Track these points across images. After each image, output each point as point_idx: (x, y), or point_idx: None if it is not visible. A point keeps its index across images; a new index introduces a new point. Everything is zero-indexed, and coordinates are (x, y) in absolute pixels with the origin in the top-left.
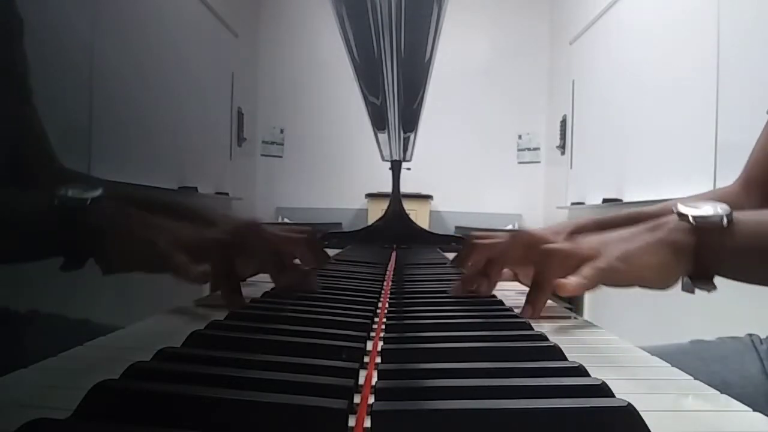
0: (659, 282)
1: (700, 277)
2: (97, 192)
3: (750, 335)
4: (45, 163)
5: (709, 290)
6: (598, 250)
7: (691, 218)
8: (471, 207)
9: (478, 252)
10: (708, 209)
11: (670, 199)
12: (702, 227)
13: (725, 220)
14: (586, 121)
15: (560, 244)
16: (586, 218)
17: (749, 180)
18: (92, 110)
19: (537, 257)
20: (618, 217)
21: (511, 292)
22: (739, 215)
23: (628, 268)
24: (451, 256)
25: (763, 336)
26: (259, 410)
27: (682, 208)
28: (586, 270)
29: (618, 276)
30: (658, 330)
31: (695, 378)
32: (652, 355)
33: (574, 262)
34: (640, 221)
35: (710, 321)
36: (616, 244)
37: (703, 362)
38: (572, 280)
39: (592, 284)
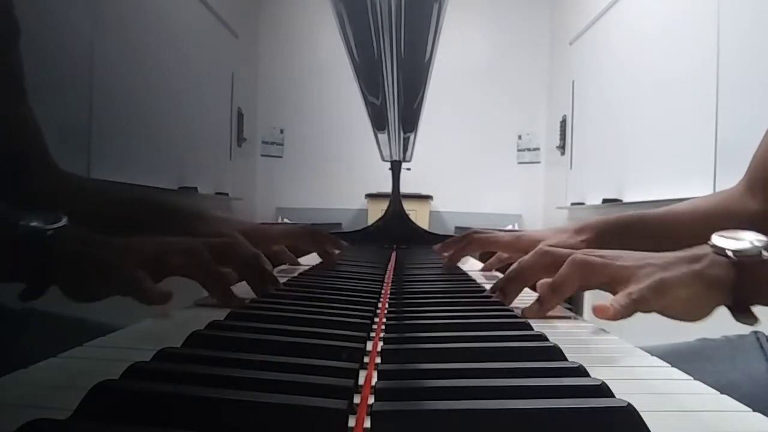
0: (688, 315)
1: (740, 311)
2: (60, 222)
3: (756, 333)
4: (41, 165)
5: (752, 323)
6: (630, 272)
7: (729, 253)
8: (471, 207)
9: (475, 247)
10: (746, 242)
11: (679, 200)
12: (741, 262)
13: (765, 254)
14: (586, 121)
15: (593, 258)
16: (595, 219)
17: (753, 181)
18: (92, 110)
19: (561, 265)
20: (640, 219)
21: None
22: None
23: (659, 299)
24: None
25: None
26: (259, 410)
27: (719, 241)
28: (622, 298)
29: (648, 306)
30: (663, 328)
31: (703, 377)
32: (659, 353)
33: (603, 279)
34: (665, 225)
35: (715, 320)
36: (650, 270)
37: (710, 361)
38: (611, 310)
39: (626, 314)
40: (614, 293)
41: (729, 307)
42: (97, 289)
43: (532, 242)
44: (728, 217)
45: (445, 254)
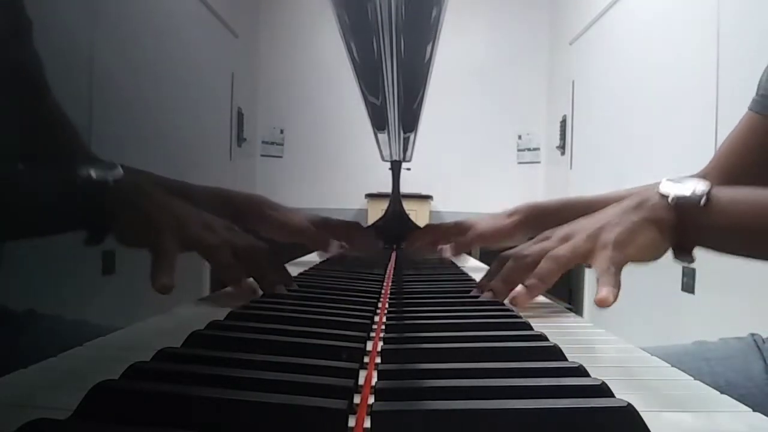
0: (650, 257)
1: (681, 251)
2: (120, 174)
3: (753, 335)
4: (75, 151)
5: (689, 262)
6: (592, 243)
7: (670, 199)
8: (471, 207)
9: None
10: (688, 187)
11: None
12: (681, 206)
13: (703, 200)
14: (586, 121)
15: (563, 252)
16: (524, 203)
17: (708, 172)
18: (92, 110)
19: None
20: (562, 202)
21: None
22: (716, 192)
23: (626, 253)
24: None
25: (765, 335)
26: (259, 410)
27: (664, 187)
28: (604, 278)
29: (623, 263)
30: (661, 332)
31: (699, 378)
32: (655, 356)
33: (577, 261)
34: (585, 207)
35: (713, 322)
36: (607, 232)
37: (706, 363)
38: (606, 295)
39: (617, 284)
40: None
41: (674, 248)
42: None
43: (470, 226)
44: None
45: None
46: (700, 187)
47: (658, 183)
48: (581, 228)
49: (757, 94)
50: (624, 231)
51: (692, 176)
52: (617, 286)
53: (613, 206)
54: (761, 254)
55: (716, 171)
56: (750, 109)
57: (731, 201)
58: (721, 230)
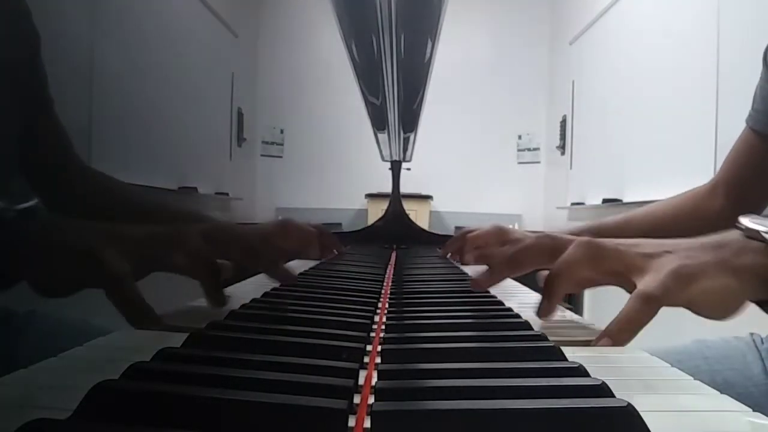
0: (717, 311)
1: None
2: (30, 202)
3: (752, 334)
4: (72, 166)
5: None
6: (646, 260)
7: (766, 236)
8: (471, 207)
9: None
10: None
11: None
12: None
13: None
14: (586, 121)
15: (605, 241)
16: (590, 223)
17: (719, 182)
18: (92, 110)
19: (561, 253)
20: (602, 225)
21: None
22: None
23: (683, 291)
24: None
25: (764, 335)
26: (259, 410)
27: (750, 224)
28: (636, 304)
29: (671, 300)
30: (660, 330)
31: (697, 377)
32: (654, 355)
33: (615, 265)
34: (627, 229)
35: (712, 322)
36: (670, 259)
37: (705, 361)
38: (623, 321)
39: (646, 319)
40: (627, 285)
41: (762, 301)
42: (75, 281)
43: (516, 236)
44: (695, 213)
45: (449, 256)
46: None
47: (738, 224)
48: (641, 244)
49: (752, 108)
50: (693, 265)
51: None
52: (638, 325)
53: (686, 239)
54: None
55: (723, 182)
56: (747, 123)
57: None
58: None
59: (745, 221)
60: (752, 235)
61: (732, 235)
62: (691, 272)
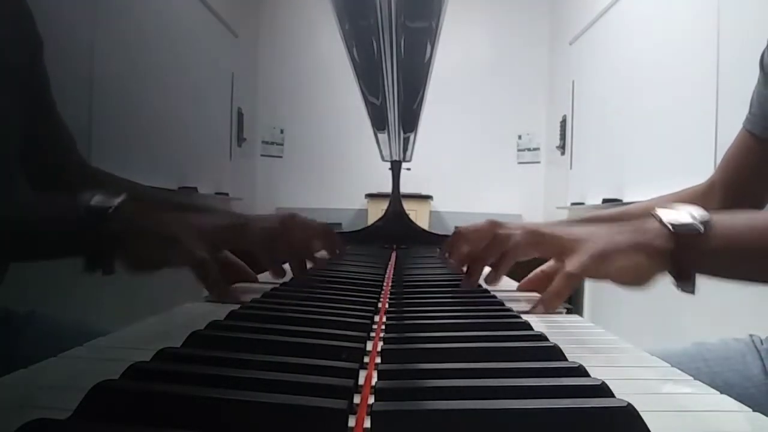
0: (631, 282)
1: (680, 279)
2: (120, 198)
3: (751, 336)
4: (74, 166)
5: (691, 291)
6: (576, 244)
7: (669, 225)
8: (471, 207)
9: (463, 243)
10: (685, 215)
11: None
12: (680, 233)
13: (702, 228)
14: (586, 121)
15: (545, 229)
16: (576, 217)
17: (715, 184)
18: (92, 110)
19: (518, 233)
20: (602, 216)
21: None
22: (714, 218)
23: (601, 267)
24: None
25: (763, 336)
26: (259, 410)
27: (662, 213)
28: (558, 281)
29: (590, 274)
30: (659, 333)
31: (698, 379)
32: (654, 356)
33: (553, 248)
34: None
35: (712, 323)
36: (594, 242)
37: (705, 363)
38: (547, 297)
39: (564, 292)
40: (562, 262)
41: (673, 276)
42: (157, 260)
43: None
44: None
45: (452, 260)
46: (697, 213)
47: (652, 208)
48: (575, 229)
49: (749, 111)
50: (609, 247)
51: (686, 201)
52: (561, 296)
53: (610, 225)
54: (760, 278)
55: (719, 183)
56: (744, 126)
57: (729, 227)
58: (719, 256)
59: (659, 212)
60: (662, 224)
61: (650, 223)
62: (608, 254)
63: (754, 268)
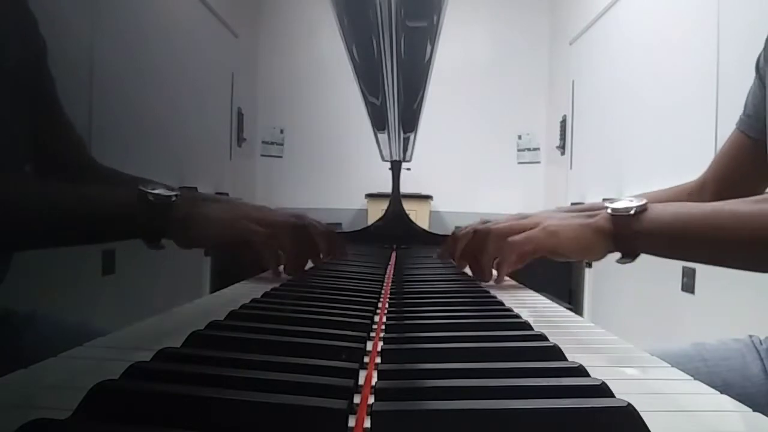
0: (579, 253)
1: (624, 254)
2: (177, 191)
3: (751, 336)
4: (85, 163)
5: (629, 262)
6: (536, 223)
7: (609, 210)
8: (471, 207)
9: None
10: (626, 203)
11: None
12: (615, 216)
13: (633, 211)
14: (586, 121)
15: (500, 224)
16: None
17: (706, 182)
18: (92, 110)
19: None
20: (594, 206)
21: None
22: (655, 206)
23: (548, 239)
24: None
25: (763, 336)
26: (259, 410)
27: (607, 203)
28: (506, 245)
29: (541, 245)
30: (659, 333)
31: (697, 379)
32: (653, 356)
33: (517, 231)
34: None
35: (711, 324)
36: (549, 222)
37: (704, 363)
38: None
39: (515, 254)
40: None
41: (617, 250)
42: (216, 236)
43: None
44: None
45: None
46: (633, 203)
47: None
48: (532, 216)
49: (743, 113)
50: (561, 225)
51: (636, 196)
52: (511, 266)
53: (575, 212)
54: (692, 258)
55: (712, 180)
56: (737, 126)
57: (659, 213)
58: (650, 237)
59: (608, 202)
60: (606, 208)
61: (600, 208)
62: (555, 229)
63: (682, 250)
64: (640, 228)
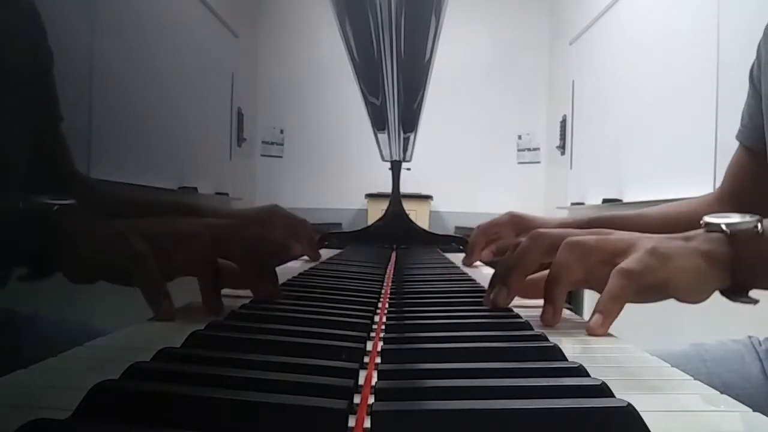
0: (693, 291)
1: (737, 290)
2: (67, 200)
3: (750, 337)
4: (70, 176)
5: (753, 303)
6: (627, 243)
7: (724, 226)
8: (471, 207)
9: (483, 238)
10: (738, 218)
11: (679, 200)
12: (736, 235)
13: (760, 227)
14: (586, 121)
15: (587, 238)
16: (571, 218)
17: (724, 192)
18: (92, 110)
19: (557, 252)
20: (613, 218)
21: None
22: (765, 221)
23: (662, 267)
24: (451, 256)
25: (762, 337)
26: (258, 411)
27: (711, 219)
28: (619, 274)
29: (652, 276)
30: (658, 334)
31: (696, 380)
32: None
33: (601, 255)
34: (638, 224)
35: (711, 324)
36: (646, 242)
37: (703, 364)
38: (603, 302)
39: (630, 285)
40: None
41: (726, 290)
42: (101, 272)
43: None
44: (698, 223)
45: (473, 260)
46: (747, 218)
47: (683, 214)
48: (619, 233)
49: (741, 124)
50: (670, 248)
51: (734, 211)
52: (621, 300)
53: (661, 235)
54: None
55: (729, 194)
56: (737, 138)
57: None
58: None
59: (707, 218)
60: (713, 228)
61: (697, 230)
62: (667, 252)
63: None
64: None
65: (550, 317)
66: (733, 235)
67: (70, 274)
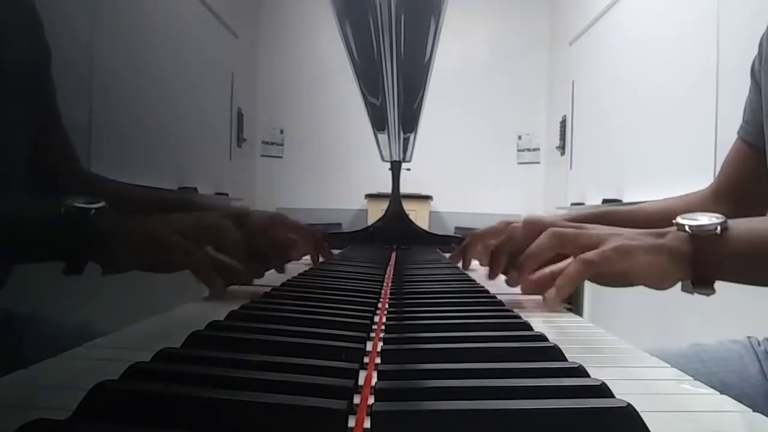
0: (652, 280)
1: (700, 282)
2: (100, 203)
3: (749, 338)
4: (74, 173)
5: (708, 294)
6: (599, 239)
7: (687, 227)
8: (471, 207)
9: (477, 243)
10: (704, 219)
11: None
12: (697, 235)
13: (719, 229)
14: (586, 121)
15: (566, 230)
16: (581, 212)
17: (719, 188)
18: (92, 110)
19: (540, 236)
20: (614, 212)
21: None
22: (732, 223)
23: (621, 260)
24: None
25: (761, 338)
26: (258, 411)
27: (680, 219)
28: (573, 266)
29: (609, 267)
30: (658, 333)
31: (694, 379)
32: (653, 356)
33: (575, 246)
34: (636, 218)
35: (711, 324)
36: (617, 238)
37: (702, 364)
38: (560, 282)
39: (586, 272)
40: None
41: (691, 281)
42: (136, 262)
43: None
44: None
45: (458, 263)
46: (713, 220)
47: (669, 210)
48: (597, 228)
49: (743, 119)
50: (634, 246)
51: (704, 212)
52: (574, 281)
53: (639, 230)
54: None
55: (725, 189)
56: (738, 134)
57: (747, 230)
58: (738, 259)
59: (678, 218)
60: (681, 228)
61: (670, 228)
62: (630, 248)
63: None
64: (726, 251)
65: (514, 282)
66: (694, 236)
67: (110, 265)
